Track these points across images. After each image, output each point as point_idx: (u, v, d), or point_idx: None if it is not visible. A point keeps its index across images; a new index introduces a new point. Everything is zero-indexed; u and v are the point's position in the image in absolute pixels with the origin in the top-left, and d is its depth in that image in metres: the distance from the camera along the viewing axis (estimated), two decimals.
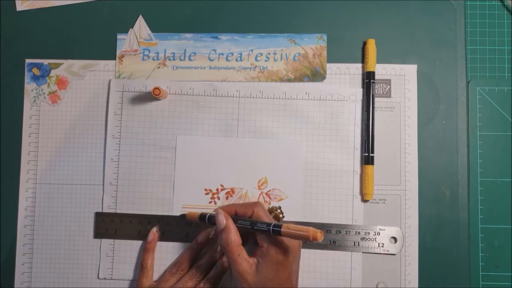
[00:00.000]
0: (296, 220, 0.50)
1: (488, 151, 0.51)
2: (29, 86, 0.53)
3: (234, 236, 0.43)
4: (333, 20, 0.52)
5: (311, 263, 0.50)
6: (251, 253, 0.43)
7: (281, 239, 0.42)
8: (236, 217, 0.44)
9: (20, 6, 0.54)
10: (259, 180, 0.51)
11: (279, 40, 0.52)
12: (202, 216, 0.47)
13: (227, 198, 0.51)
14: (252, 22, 0.53)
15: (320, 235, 0.38)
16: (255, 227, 0.42)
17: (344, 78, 0.52)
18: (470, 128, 0.51)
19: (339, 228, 0.50)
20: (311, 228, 0.38)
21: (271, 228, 0.41)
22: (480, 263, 0.50)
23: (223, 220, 0.44)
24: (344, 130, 0.51)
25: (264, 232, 0.41)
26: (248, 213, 0.44)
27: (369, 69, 0.51)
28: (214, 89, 0.52)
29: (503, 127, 0.51)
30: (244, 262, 0.42)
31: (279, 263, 0.41)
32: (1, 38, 0.54)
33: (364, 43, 0.52)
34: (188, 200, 0.51)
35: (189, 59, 0.52)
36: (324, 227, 0.50)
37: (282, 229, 0.40)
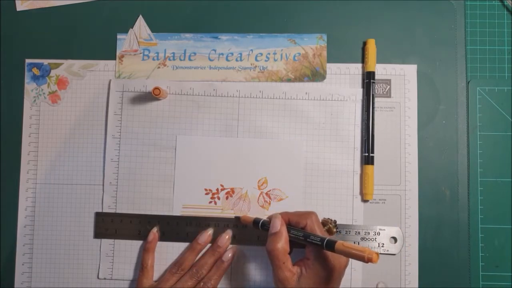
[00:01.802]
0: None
1: (488, 151, 0.51)
2: (29, 86, 0.53)
3: (283, 243, 0.42)
4: (333, 20, 0.52)
5: None
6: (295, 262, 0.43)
7: (329, 256, 0.41)
8: (289, 227, 0.44)
9: (20, 6, 0.54)
10: (259, 180, 0.51)
11: (279, 40, 0.52)
12: (256, 222, 0.47)
13: (227, 198, 0.51)
14: (252, 22, 0.53)
15: (376, 257, 0.36)
16: (308, 239, 0.42)
17: (344, 78, 0.52)
18: (470, 128, 0.51)
19: (339, 228, 0.50)
20: (366, 249, 0.37)
21: (324, 243, 0.40)
22: (480, 263, 0.50)
23: (278, 225, 0.43)
24: (344, 130, 0.51)
25: (316, 245, 0.41)
26: (301, 223, 0.44)
27: (369, 69, 0.51)
28: (214, 89, 0.52)
29: (503, 127, 0.51)
30: (287, 271, 0.41)
31: (322, 278, 0.41)
32: (1, 38, 0.54)
33: (364, 43, 0.52)
34: (188, 200, 0.51)
35: (189, 59, 0.52)
36: (324, 227, 0.50)
37: (336, 246, 0.39)
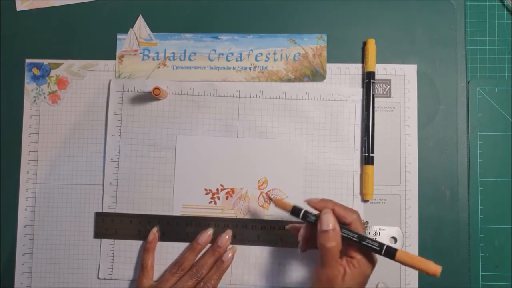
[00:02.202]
0: (296, 220, 0.50)
1: (488, 151, 0.51)
2: (29, 86, 0.53)
3: (338, 241, 0.41)
4: (333, 20, 0.52)
5: (311, 263, 0.50)
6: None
7: (372, 256, 0.41)
8: (343, 226, 0.42)
9: (20, 6, 0.54)
10: (259, 180, 0.51)
11: (279, 40, 0.52)
12: (296, 210, 0.43)
13: (227, 198, 0.51)
14: (252, 22, 0.53)
15: (439, 271, 0.36)
16: (363, 242, 0.40)
17: (344, 78, 0.52)
18: (470, 128, 0.51)
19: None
20: (431, 262, 0.36)
21: (383, 249, 0.39)
22: (480, 263, 0.50)
23: (331, 222, 0.41)
24: (344, 130, 0.51)
25: (373, 250, 0.40)
26: (347, 219, 0.42)
27: (369, 69, 0.51)
28: (214, 89, 0.52)
29: (503, 127, 0.51)
30: (337, 269, 0.40)
31: (366, 277, 0.41)
32: (1, 38, 0.54)
33: (364, 43, 0.52)
34: (188, 200, 0.51)
35: (189, 59, 0.52)
36: None
37: (397, 255, 0.38)
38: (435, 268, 0.36)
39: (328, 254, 0.40)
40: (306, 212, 0.43)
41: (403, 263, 0.38)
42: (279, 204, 0.44)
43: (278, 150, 0.51)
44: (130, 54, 0.53)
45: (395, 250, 0.39)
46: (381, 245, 0.40)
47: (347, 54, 0.52)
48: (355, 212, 0.43)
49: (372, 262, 0.41)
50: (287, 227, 0.47)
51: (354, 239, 0.41)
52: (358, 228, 0.42)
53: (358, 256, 0.41)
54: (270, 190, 0.51)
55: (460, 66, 0.51)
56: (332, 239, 0.40)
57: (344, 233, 0.41)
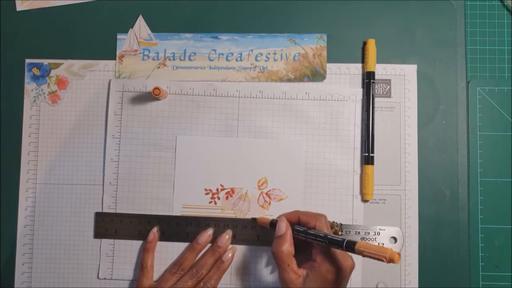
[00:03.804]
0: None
1: (488, 151, 0.51)
2: (29, 86, 0.53)
3: (288, 245, 0.43)
4: (333, 20, 0.52)
5: None
6: (300, 263, 0.43)
7: (338, 258, 0.41)
8: (307, 228, 0.44)
9: (20, 6, 0.54)
10: (259, 180, 0.51)
11: (279, 40, 0.52)
12: (273, 223, 0.47)
13: (227, 198, 0.51)
14: (252, 22, 0.53)
15: (398, 258, 0.36)
16: (328, 237, 0.41)
17: (344, 78, 0.52)
18: (470, 128, 0.51)
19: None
20: (388, 249, 0.36)
21: (344, 243, 0.39)
22: (480, 263, 0.50)
23: (283, 228, 0.44)
24: (344, 130, 0.51)
25: (337, 246, 0.40)
26: (311, 224, 0.44)
27: (369, 69, 0.51)
28: (214, 89, 0.52)
29: (503, 127, 0.51)
30: (292, 273, 0.42)
31: (327, 281, 0.41)
32: (1, 38, 0.54)
33: (364, 43, 0.52)
34: (188, 200, 0.51)
35: (189, 59, 0.52)
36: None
37: (356, 246, 0.38)
38: (392, 256, 0.36)
39: (279, 259, 0.42)
40: (272, 221, 0.47)
41: (362, 253, 0.38)
42: (262, 221, 0.49)
43: (278, 150, 0.51)
44: (130, 54, 0.53)
45: (355, 242, 0.39)
46: (343, 239, 0.40)
47: (347, 54, 0.52)
48: (321, 216, 0.45)
49: (336, 267, 0.41)
50: (258, 220, 0.49)
51: (318, 239, 0.42)
52: (323, 230, 0.44)
53: (318, 259, 0.42)
54: (270, 190, 0.51)
55: (460, 66, 0.51)
56: (281, 244, 0.43)
57: (311, 236, 0.42)
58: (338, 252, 0.42)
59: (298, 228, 0.44)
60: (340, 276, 0.41)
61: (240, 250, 0.50)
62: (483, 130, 0.51)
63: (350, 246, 0.39)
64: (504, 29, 0.52)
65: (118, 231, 0.51)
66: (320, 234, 0.42)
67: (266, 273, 0.50)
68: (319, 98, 0.51)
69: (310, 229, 0.44)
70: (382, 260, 0.36)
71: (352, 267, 0.42)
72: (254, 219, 0.50)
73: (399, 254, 0.36)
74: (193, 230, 0.50)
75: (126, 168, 0.51)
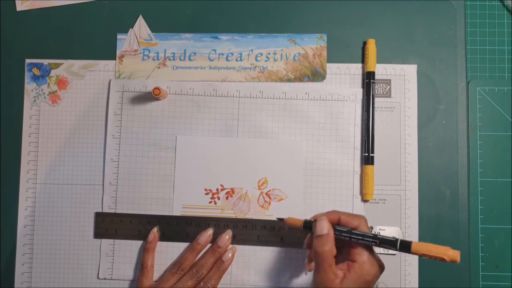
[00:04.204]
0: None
1: (488, 151, 0.51)
2: (29, 86, 0.53)
3: (331, 245, 0.41)
4: (333, 20, 0.52)
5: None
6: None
7: (376, 260, 0.41)
8: (351, 229, 0.42)
9: (20, 6, 0.54)
10: (259, 180, 0.51)
11: (279, 40, 0.52)
12: (307, 224, 0.44)
13: (227, 198, 0.51)
14: (252, 22, 0.53)
15: (458, 256, 0.35)
16: (379, 237, 0.40)
17: (344, 78, 0.52)
18: (470, 128, 0.51)
19: None
20: (448, 248, 0.36)
21: (398, 243, 0.39)
22: (480, 263, 0.50)
23: (326, 227, 0.42)
24: (344, 130, 0.51)
25: (390, 246, 0.39)
26: (353, 224, 0.43)
27: (369, 69, 0.51)
28: (214, 89, 0.52)
29: (503, 127, 0.51)
30: (332, 273, 0.41)
31: (365, 282, 0.40)
32: (1, 38, 0.54)
33: (364, 43, 0.52)
34: (188, 200, 0.51)
35: (189, 59, 0.52)
36: None
37: (413, 246, 0.38)
38: (454, 255, 0.35)
39: (321, 258, 0.41)
40: (306, 221, 0.44)
41: (419, 253, 0.38)
42: (291, 223, 0.46)
43: (278, 150, 0.51)
44: (130, 54, 0.53)
45: (410, 242, 0.38)
46: (396, 239, 0.39)
47: (347, 54, 0.52)
48: (362, 218, 0.43)
49: (376, 267, 0.41)
50: (286, 221, 0.47)
51: (367, 239, 0.40)
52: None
53: (359, 261, 0.41)
54: (270, 190, 0.51)
55: (460, 66, 0.51)
56: (325, 244, 0.41)
57: (358, 237, 0.41)
58: (377, 255, 0.41)
59: (341, 229, 0.42)
60: (376, 278, 0.41)
61: (240, 250, 0.50)
62: (483, 130, 0.51)
63: (405, 246, 0.38)
64: (504, 29, 0.52)
65: (118, 231, 0.51)
66: (369, 234, 0.41)
67: (266, 273, 0.50)
68: (319, 98, 0.51)
69: (354, 229, 0.42)
70: (443, 260, 0.36)
71: (383, 270, 0.42)
72: (281, 220, 0.47)
73: (459, 252, 0.36)
74: (193, 230, 0.50)
75: (126, 168, 0.51)
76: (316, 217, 0.44)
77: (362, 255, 0.41)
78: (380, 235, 0.40)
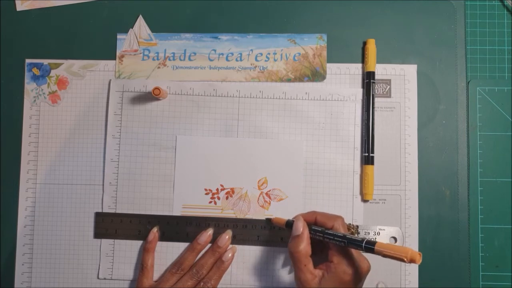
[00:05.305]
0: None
1: (488, 151, 0.51)
2: (29, 86, 0.53)
3: (305, 245, 0.42)
4: (333, 20, 0.52)
5: None
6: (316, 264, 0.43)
7: (354, 260, 0.41)
8: (325, 229, 0.43)
9: (20, 6, 0.54)
10: (259, 180, 0.51)
11: (279, 40, 0.52)
12: (289, 223, 0.47)
13: (227, 198, 0.51)
14: (252, 22, 0.53)
15: (419, 258, 0.36)
16: (347, 237, 0.41)
17: (344, 78, 0.52)
18: (470, 128, 0.51)
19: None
20: (409, 249, 0.36)
21: (363, 244, 0.39)
22: (480, 263, 0.50)
23: (301, 227, 0.43)
24: (344, 130, 0.51)
25: (356, 247, 0.40)
26: (328, 224, 0.44)
27: (369, 69, 0.51)
28: (214, 89, 0.52)
29: (503, 127, 0.51)
30: (308, 273, 0.41)
31: (343, 282, 0.41)
32: (1, 38, 0.54)
33: (364, 43, 0.52)
34: (188, 200, 0.51)
35: (189, 59, 0.53)
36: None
37: (376, 246, 0.38)
38: (413, 256, 0.35)
39: (296, 259, 0.42)
40: (288, 221, 0.47)
41: (381, 254, 0.38)
42: (277, 222, 0.48)
43: (278, 150, 0.51)
44: (130, 54, 0.53)
45: (374, 243, 0.39)
46: (361, 240, 0.40)
47: (347, 54, 0.52)
48: (339, 218, 0.45)
49: (353, 269, 0.41)
50: (273, 220, 0.49)
51: (337, 239, 0.41)
52: (340, 232, 0.43)
53: (335, 260, 0.42)
54: (270, 190, 0.51)
55: (460, 66, 0.51)
56: (299, 244, 0.42)
57: (328, 236, 0.42)
58: (355, 254, 0.41)
59: (316, 228, 0.44)
60: (356, 278, 0.41)
61: (240, 250, 0.50)
62: (483, 130, 0.51)
63: (370, 246, 0.39)
64: (504, 29, 0.52)
65: (118, 231, 0.51)
66: (339, 234, 0.42)
67: (266, 273, 0.50)
68: (319, 98, 0.51)
69: (328, 229, 0.43)
70: (403, 260, 0.36)
71: (368, 270, 0.42)
72: (268, 220, 0.50)
73: (420, 254, 0.36)
74: (193, 230, 0.50)
75: (126, 168, 0.51)
76: (297, 216, 0.45)
77: (337, 255, 0.42)
78: (349, 236, 0.41)
